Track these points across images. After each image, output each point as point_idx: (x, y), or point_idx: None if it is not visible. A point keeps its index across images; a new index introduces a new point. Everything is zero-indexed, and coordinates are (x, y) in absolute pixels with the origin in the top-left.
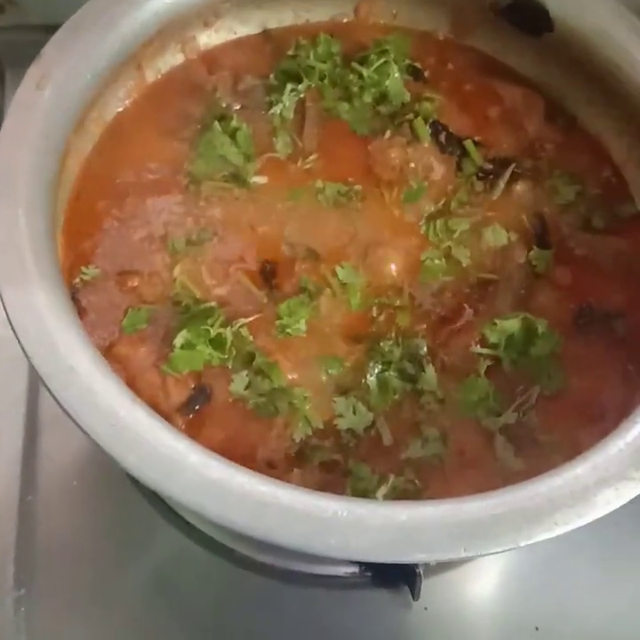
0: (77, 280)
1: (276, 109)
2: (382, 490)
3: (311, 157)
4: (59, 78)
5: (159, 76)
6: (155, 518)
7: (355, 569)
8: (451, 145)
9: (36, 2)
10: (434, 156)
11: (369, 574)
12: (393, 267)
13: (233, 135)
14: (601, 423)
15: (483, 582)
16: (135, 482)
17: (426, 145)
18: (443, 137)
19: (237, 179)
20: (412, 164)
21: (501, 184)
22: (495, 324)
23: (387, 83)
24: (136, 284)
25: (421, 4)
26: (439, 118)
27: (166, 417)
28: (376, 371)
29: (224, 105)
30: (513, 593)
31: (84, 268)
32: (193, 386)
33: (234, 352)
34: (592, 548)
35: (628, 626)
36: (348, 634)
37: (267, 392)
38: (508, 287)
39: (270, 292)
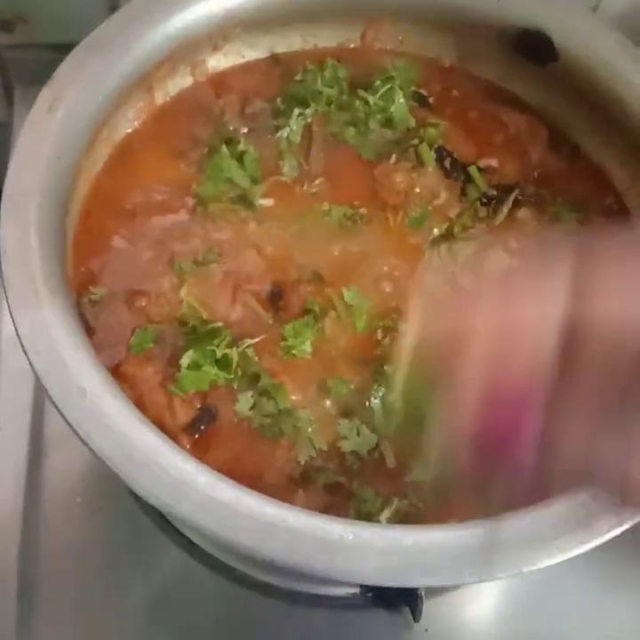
0: (85, 299)
1: (283, 133)
2: (386, 513)
3: (317, 181)
4: (71, 100)
5: (168, 98)
6: (157, 536)
7: (356, 590)
8: (455, 170)
9: (46, 20)
10: (438, 182)
11: (369, 595)
12: (397, 290)
13: (240, 158)
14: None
15: (482, 604)
16: (138, 500)
17: (431, 170)
18: (447, 162)
19: (244, 201)
20: (417, 189)
21: (505, 210)
22: None
23: (392, 108)
24: (144, 304)
25: (428, 31)
26: (444, 144)
27: (172, 437)
28: (380, 394)
29: (232, 128)
30: (512, 614)
31: (92, 288)
32: (199, 406)
33: (239, 372)
34: (591, 570)
35: None
36: None
37: (272, 413)
38: None
39: (276, 314)
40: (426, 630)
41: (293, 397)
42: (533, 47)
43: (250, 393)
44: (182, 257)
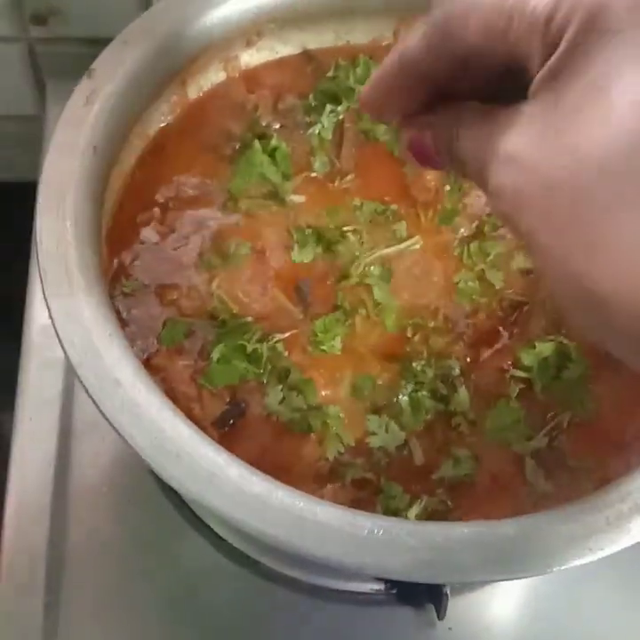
0: (117, 292)
1: (315, 129)
2: (414, 509)
3: (348, 177)
4: (108, 93)
5: (201, 93)
6: (183, 527)
7: (380, 586)
8: None
9: (79, 14)
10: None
11: (394, 592)
12: (428, 288)
13: (272, 154)
14: (631, 450)
15: (507, 603)
16: (165, 490)
17: None
18: None
19: (275, 197)
20: (448, 187)
21: None
22: (534, 346)
23: None
24: (175, 297)
25: None
26: None
27: (201, 429)
28: (409, 390)
29: (264, 123)
30: (537, 614)
31: (124, 280)
32: (228, 399)
33: (269, 367)
34: (621, 570)
35: None
36: None
37: (301, 408)
38: (542, 311)
39: (305, 309)
40: (450, 628)
41: (323, 393)
42: None
43: (279, 387)
44: (213, 251)
